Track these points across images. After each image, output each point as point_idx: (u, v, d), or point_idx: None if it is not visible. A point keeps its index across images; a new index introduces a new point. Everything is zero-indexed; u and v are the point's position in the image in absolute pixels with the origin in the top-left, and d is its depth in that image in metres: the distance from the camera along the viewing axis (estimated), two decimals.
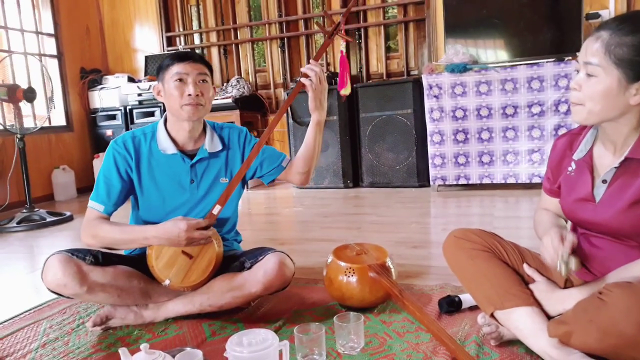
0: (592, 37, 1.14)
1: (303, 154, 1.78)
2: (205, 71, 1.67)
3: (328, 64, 5.08)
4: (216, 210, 1.60)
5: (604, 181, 1.22)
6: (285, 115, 4.62)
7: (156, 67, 5.45)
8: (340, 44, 1.74)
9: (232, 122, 4.51)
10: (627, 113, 1.15)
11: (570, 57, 3.64)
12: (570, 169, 1.32)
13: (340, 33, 1.67)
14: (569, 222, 1.41)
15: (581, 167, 1.28)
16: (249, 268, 1.60)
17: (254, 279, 1.56)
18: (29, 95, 3.81)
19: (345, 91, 1.71)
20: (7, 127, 3.82)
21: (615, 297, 1.03)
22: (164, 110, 1.78)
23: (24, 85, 3.87)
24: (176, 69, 1.63)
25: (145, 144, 1.71)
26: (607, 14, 3.84)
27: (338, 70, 4.92)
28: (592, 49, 1.12)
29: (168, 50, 5.54)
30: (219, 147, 1.74)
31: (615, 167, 1.20)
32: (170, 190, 1.70)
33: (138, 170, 1.70)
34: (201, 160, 1.72)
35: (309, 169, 1.77)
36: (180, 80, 1.63)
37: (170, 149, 1.69)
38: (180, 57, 1.65)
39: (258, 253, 1.63)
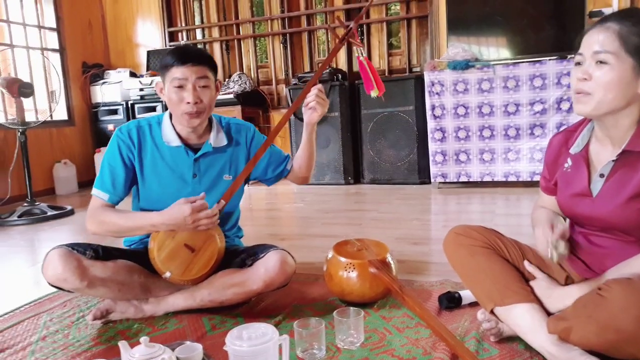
0: (597, 28, 1.15)
1: (304, 158, 1.79)
2: (206, 73, 1.61)
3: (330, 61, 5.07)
4: (220, 205, 1.60)
5: (602, 175, 1.23)
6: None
7: (158, 62, 5.46)
8: (356, 51, 1.73)
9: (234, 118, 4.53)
10: (632, 104, 1.15)
11: (572, 55, 3.62)
12: (566, 165, 1.32)
13: (352, 38, 1.66)
14: (567, 220, 1.41)
15: (577, 163, 1.29)
16: (250, 265, 1.60)
17: (255, 277, 1.56)
18: (23, 90, 3.76)
19: (375, 92, 1.69)
20: (7, 124, 3.82)
21: (615, 293, 1.04)
22: (166, 106, 1.77)
23: (26, 79, 3.86)
24: (175, 72, 1.58)
25: (149, 134, 1.70)
26: (610, 12, 3.82)
27: (340, 67, 4.92)
28: (603, 39, 1.13)
29: (170, 46, 5.53)
30: (224, 142, 1.73)
31: (613, 160, 1.20)
32: (172, 183, 1.69)
33: (140, 159, 1.69)
34: (205, 155, 1.71)
35: (311, 171, 1.84)
36: (180, 86, 1.59)
37: (175, 142, 1.68)
38: (180, 59, 1.58)
39: (259, 250, 1.63)
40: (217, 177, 1.73)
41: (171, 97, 1.61)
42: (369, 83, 1.69)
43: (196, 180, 1.70)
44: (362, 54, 1.68)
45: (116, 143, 1.68)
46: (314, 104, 1.63)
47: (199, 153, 1.70)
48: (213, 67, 1.65)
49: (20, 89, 3.73)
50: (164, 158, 1.69)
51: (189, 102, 1.58)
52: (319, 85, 1.65)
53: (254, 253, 1.63)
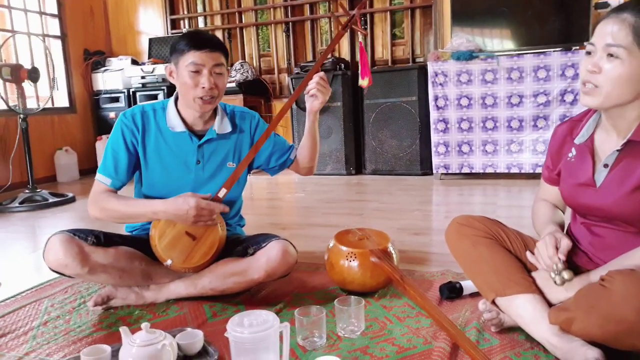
0: (613, 19, 1.11)
1: (307, 148, 1.79)
2: (222, 60, 1.62)
3: (333, 50, 5.04)
4: (222, 193, 1.59)
5: (606, 165, 1.22)
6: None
7: (160, 50, 5.42)
8: (358, 36, 1.75)
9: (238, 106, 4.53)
10: (639, 98, 1.13)
11: (577, 47, 3.60)
12: (570, 154, 1.31)
13: (355, 25, 1.65)
14: (568, 212, 1.40)
15: (582, 152, 1.27)
16: (252, 254, 1.60)
17: (257, 266, 1.56)
18: (33, 75, 3.81)
19: (365, 82, 1.71)
20: (11, 107, 3.82)
21: (617, 283, 1.03)
22: (168, 93, 1.77)
23: (28, 66, 3.86)
24: (192, 57, 1.58)
25: (153, 119, 1.70)
26: (616, 3, 3.79)
27: (343, 56, 4.89)
28: (617, 31, 1.09)
29: (172, 33, 5.50)
30: (228, 129, 1.73)
31: (617, 150, 1.19)
32: (175, 168, 1.69)
33: (144, 145, 1.68)
34: (209, 141, 1.70)
35: (315, 160, 1.84)
36: (196, 71, 1.59)
37: (179, 127, 1.68)
38: (197, 44, 1.58)
39: (261, 239, 1.63)
40: (221, 164, 1.72)
41: (186, 81, 1.60)
42: (366, 71, 1.69)
43: (199, 167, 1.70)
44: (363, 40, 1.69)
45: (120, 128, 1.67)
46: (315, 91, 1.63)
47: (203, 139, 1.69)
48: (226, 55, 1.67)
49: (31, 74, 3.77)
50: (167, 143, 1.69)
51: (204, 87, 1.59)
52: (321, 73, 1.65)
53: (255, 242, 1.63)
